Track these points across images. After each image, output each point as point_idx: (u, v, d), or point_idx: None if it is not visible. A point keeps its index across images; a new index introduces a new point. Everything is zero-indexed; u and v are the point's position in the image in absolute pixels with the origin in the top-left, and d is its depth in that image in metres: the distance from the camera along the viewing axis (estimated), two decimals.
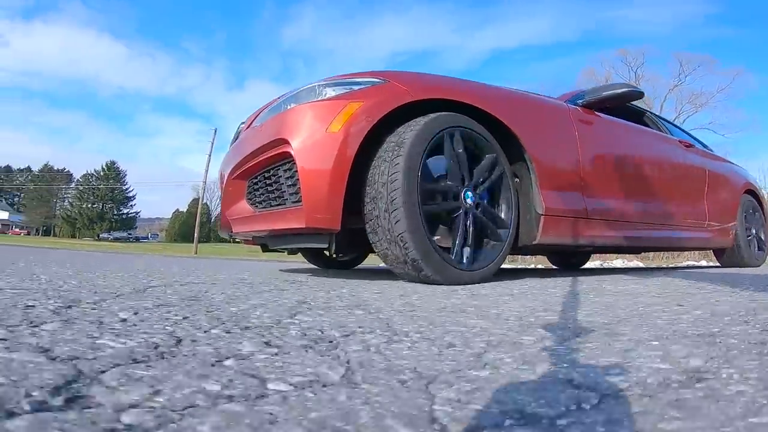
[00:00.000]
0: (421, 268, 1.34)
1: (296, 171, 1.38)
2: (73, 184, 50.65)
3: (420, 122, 1.45)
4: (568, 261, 3.94)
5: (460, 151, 1.53)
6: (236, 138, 2.01)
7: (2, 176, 53.49)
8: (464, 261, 1.45)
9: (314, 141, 1.35)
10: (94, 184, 47.46)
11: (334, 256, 2.63)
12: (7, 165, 54.98)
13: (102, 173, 47.95)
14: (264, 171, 1.53)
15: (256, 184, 1.60)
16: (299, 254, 2.78)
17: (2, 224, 47.14)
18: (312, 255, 2.81)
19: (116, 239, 38.29)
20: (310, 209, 1.32)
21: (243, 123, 2.02)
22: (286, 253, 2.83)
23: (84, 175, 49.10)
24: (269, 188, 1.53)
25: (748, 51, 38.52)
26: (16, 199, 53.78)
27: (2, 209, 50.59)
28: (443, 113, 1.53)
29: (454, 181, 1.50)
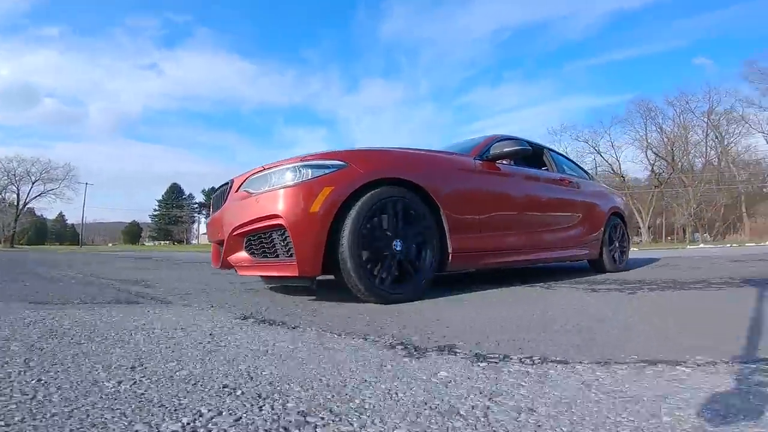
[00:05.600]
0: (360, 290, 2.20)
1: (288, 236, 2.15)
2: None
3: (365, 197, 2.27)
4: None
5: (397, 211, 2.39)
6: (223, 197, 2.68)
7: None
8: (388, 287, 2.31)
9: (301, 218, 2.13)
10: None
11: None
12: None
13: None
14: (262, 232, 2.27)
15: (252, 240, 2.32)
16: None
17: None
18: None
19: None
20: (300, 263, 2.12)
21: (226, 184, 2.70)
22: None
23: None
24: (265, 245, 2.28)
25: None
26: None
27: None
28: (383, 188, 2.36)
29: (389, 233, 2.36)
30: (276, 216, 2.17)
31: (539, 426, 0.75)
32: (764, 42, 43.43)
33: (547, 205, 3.65)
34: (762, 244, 17.49)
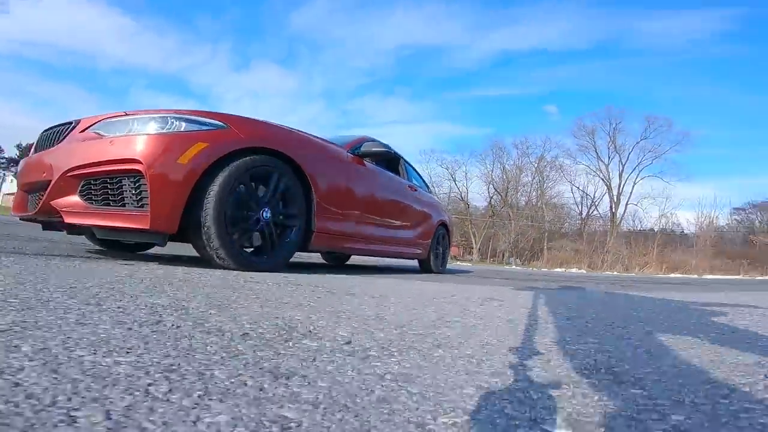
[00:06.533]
0: (221, 255, 2.21)
1: (144, 185, 2.02)
2: None
3: (240, 160, 2.27)
4: (337, 258, 5.42)
5: (270, 182, 2.45)
6: (58, 137, 2.34)
7: None
8: (251, 255, 2.39)
9: (166, 167, 2.03)
10: None
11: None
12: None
13: None
14: (108, 177, 2.07)
15: (93, 184, 2.09)
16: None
17: None
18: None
19: None
20: (155, 217, 2.01)
21: (66, 123, 2.36)
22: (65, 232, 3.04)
23: None
24: (110, 191, 2.08)
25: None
26: None
27: None
28: (261, 156, 2.40)
29: (260, 202, 2.41)
30: (134, 161, 2.03)
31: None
32: (601, 100, 58.76)
33: (397, 205, 4.14)
34: (552, 270, 22.55)
